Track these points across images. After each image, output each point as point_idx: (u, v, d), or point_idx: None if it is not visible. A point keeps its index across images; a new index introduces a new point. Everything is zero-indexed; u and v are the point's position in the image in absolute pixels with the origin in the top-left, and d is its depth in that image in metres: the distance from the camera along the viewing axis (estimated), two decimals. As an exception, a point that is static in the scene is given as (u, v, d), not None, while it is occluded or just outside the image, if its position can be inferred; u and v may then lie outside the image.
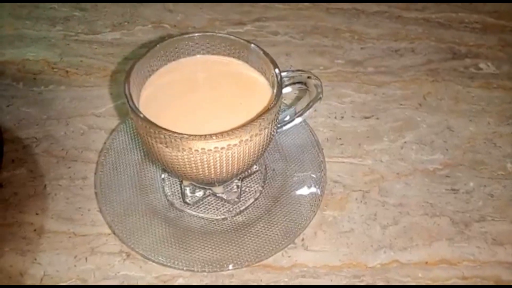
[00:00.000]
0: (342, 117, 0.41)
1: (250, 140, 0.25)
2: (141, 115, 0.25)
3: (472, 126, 0.41)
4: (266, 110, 0.25)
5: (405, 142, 0.39)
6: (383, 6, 0.51)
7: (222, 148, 0.25)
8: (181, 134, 0.24)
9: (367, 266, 0.32)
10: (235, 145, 0.25)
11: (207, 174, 0.27)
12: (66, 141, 0.37)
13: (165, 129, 0.24)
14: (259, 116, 0.25)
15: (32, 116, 0.39)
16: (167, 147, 0.25)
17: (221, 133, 0.24)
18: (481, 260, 0.33)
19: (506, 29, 0.50)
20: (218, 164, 0.26)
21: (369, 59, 0.46)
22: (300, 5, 0.51)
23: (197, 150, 0.24)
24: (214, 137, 0.24)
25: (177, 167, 0.27)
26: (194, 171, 0.27)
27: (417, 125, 0.40)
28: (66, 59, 0.44)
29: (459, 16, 0.51)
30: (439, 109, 0.42)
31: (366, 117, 0.41)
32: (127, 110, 0.40)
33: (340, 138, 0.39)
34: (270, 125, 0.26)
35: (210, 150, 0.24)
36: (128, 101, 0.25)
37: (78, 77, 0.42)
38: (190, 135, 0.24)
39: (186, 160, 0.25)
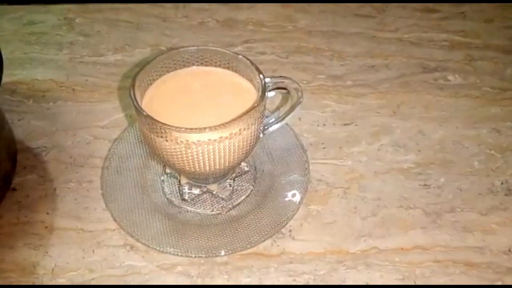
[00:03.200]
0: (324, 125, 0.45)
1: (239, 134, 0.29)
2: (145, 113, 0.29)
3: (442, 130, 0.45)
4: (252, 108, 0.29)
5: (381, 145, 0.43)
6: (359, 28, 0.57)
7: (214, 140, 0.29)
8: (179, 127, 0.28)
9: (349, 252, 0.35)
10: (226, 137, 0.29)
11: (202, 166, 0.30)
12: (73, 150, 0.41)
13: (165, 123, 0.28)
14: (246, 112, 0.29)
15: (41, 128, 0.43)
16: (166, 140, 0.29)
17: (214, 126, 0.28)
18: (452, 245, 0.36)
19: (472, 45, 0.55)
20: (212, 156, 0.30)
21: (347, 74, 0.51)
22: (285, 28, 0.57)
23: (193, 142, 0.28)
24: (207, 130, 0.28)
25: (176, 161, 0.30)
26: (191, 163, 0.30)
27: (392, 130, 0.45)
28: (72, 79, 0.48)
29: (428, 35, 0.57)
30: (411, 116, 0.46)
31: (346, 124, 0.45)
32: (128, 121, 0.44)
33: (322, 143, 0.43)
34: (256, 121, 0.30)
35: (205, 141, 0.28)
36: (133, 102, 0.29)
37: (83, 94, 0.47)
38: (187, 128, 0.28)
39: (184, 152, 0.29)
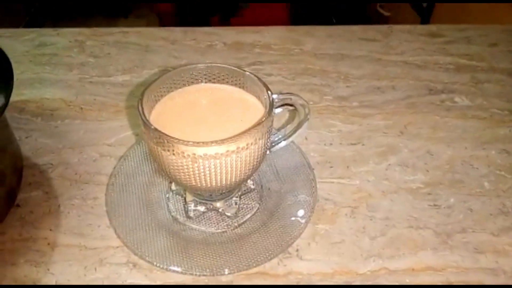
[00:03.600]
0: (331, 144, 0.45)
1: (247, 149, 0.29)
2: (152, 127, 0.29)
3: (450, 151, 0.45)
4: (260, 122, 0.29)
5: (389, 165, 0.43)
6: (365, 51, 0.58)
7: (221, 154, 0.28)
8: (186, 141, 0.28)
9: (358, 273, 0.34)
10: (233, 151, 0.29)
11: (208, 181, 0.30)
12: (79, 167, 0.41)
13: (172, 137, 0.28)
14: (254, 127, 0.29)
15: (49, 146, 0.43)
16: (173, 154, 0.29)
17: (221, 140, 0.28)
18: (464, 267, 0.35)
19: (477, 68, 0.56)
20: (219, 171, 0.29)
21: (353, 95, 0.51)
22: (291, 51, 0.57)
23: (200, 156, 0.28)
24: (214, 143, 0.28)
25: (183, 176, 0.30)
26: (197, 178, 0.30)
27: (399, 150, 0.44)
28: (81, 98, 0.49)
29: (434, 58, 0.57)
30: (419, 136, 0.46)
31: (352, 144, 0.45)
32: (135, 139, 0.44)
33: (329, 162, 0.43)
34: (263, 136, 0.30)
35: (212, 155, 0.28)
36: (141, 116, 0.29)
37: (91, 113, 0.47)
38: (194, 142, 0.28)
39: (190, 167, 0.29)
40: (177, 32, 0.60)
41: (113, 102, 0.48)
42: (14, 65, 0.36)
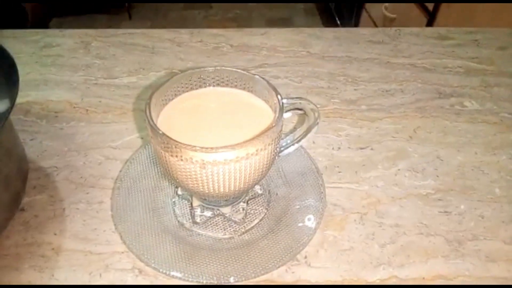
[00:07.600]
0: (339, 148, 0.44)
1: (256, 154, 0.29)
2: (160, 132, 0.28)
3: (461, 156, 0.44)
4: (269, 128, 0.29)
5: (398, 170, 0.42)
6: (373, 54, 0.57)
7: (231, 160, 0.28)
8: (195, 146, 0.27)
9: (367, 281, 0.33)
10: (243, 157, 0.28)
11: (217, 187, 0.30)
12: (85, 170, 0.41)
13: (180, 142, 0.27)
14: (263, 132, 0.28)
15: (54, 149, 0.42)
16: (181, 160, 0.28)
17: (230, 146, 0.27)
18: (476, 275, 0.34)
19: (487, 72, 0.55)
20: (227, 177, 0.29)
21: (362, 98, 0.50)
22: (298, 53, 0.57)
23: (209, 162, 0.28)
24: (223, 149, 0.27)
25: (190, 182, 0.30)
26: (205, 184, 0.29)
27: (408, 155, 0.44)
28: (86, 100, 0.48)
29: (443, 61, 0.56)
30: (428, 141, 0.45)
31: (361, 148, 0.44)
32: (141, 142, 0.43)
33: (338, 166, 0.42)
34: (273, 142, 0.30)
35: (220, 161, 0.27)
36: (148, 120, 0.29)
37: (97, 115, 0.46)
38: (203, 148, 0.27)
39: (198, 173, 0.28)
40: (183, 33, 0.60)
41: (118, 104, 0.48)
42: (19, 67, 0.35)
